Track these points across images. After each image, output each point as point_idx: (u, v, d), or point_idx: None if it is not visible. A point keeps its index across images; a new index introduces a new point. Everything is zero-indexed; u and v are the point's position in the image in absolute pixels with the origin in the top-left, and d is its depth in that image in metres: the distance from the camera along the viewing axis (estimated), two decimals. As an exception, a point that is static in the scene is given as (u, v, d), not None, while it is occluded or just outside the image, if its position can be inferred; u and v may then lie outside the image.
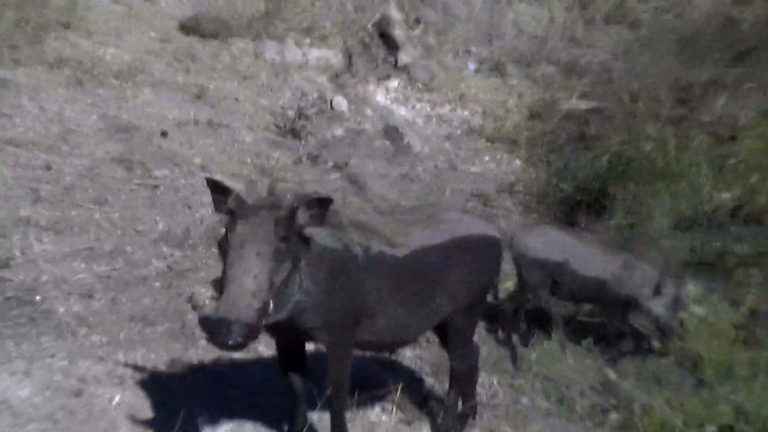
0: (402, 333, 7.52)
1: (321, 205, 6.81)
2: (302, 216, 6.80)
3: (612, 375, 9.41)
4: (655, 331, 9.76)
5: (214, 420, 7.64)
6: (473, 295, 7.80)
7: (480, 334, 9.51)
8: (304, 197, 6.80)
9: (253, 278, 6.57)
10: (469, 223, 7.88)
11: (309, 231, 6.95)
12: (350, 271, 7.13)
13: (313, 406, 7.66)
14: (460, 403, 8.11)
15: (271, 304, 6.63)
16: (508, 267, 10.15)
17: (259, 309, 6.52)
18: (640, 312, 9.76)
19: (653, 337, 9.81)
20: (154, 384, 7.80)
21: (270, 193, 6.94)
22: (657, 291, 9.65)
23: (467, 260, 7.71)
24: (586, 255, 9.65)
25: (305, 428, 7.59)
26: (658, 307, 9.68)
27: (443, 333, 7.96)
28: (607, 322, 9.94)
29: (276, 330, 7.17)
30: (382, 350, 8.09)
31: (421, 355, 8.92)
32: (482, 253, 7.84)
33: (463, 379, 8.06)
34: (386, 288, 7.30)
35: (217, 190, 6.83)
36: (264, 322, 6.58)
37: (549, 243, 9.61)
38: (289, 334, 7.22)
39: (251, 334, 6.51)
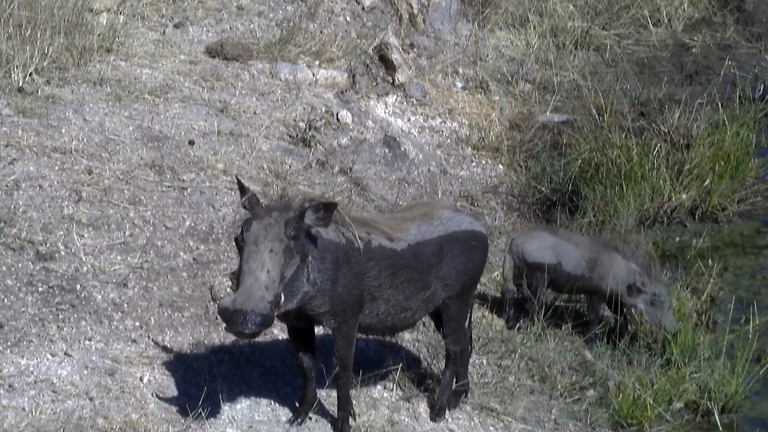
0: (401, 317, 7.41)
1: (327, 208, 6.73)
2: (310, 217, 6.71)
3: (589, 356, 9.27)
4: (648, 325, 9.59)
5: (233, 396, 7.52)
6: (464, 284, 7.66)
7: (471, 318, 9.27)
8: (312, 201, 6.76)
9: (266, 273, 6.54)
10: (460, 219, 7.70)
11: (315, 229, 6.84)
12: (352, 263, 7.01)
13: (321, 384, 7.51)
14: (454, 382, 7.97)
15: (282, 296, 6.58)
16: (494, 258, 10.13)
17: (271, 301, 6.50)
18: (626, 305, 9.59)
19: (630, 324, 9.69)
20: (180, 364, 7.69)
21: (282, 196, 6.95)
22: (635, 288, 9.43)
23: (458, 253, 7.57)
24: (575, 256, 9.46)
25: (314, 403, 7.48)
26: (640, 304, 9.47)
27: (439, 318, 7.82)
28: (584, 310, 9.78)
29: (288, 317, 7.04)
30: (384, 333, 7.84)
31: (419, 339, 8.72)
32: (471, 246, 7.67)
33: (457, 360, 7.88)
34: (385, 277, 7.18)
35: (242, 189, 6.84)
36: (276, 311, 6.56)
37: (543, 248, 9.44)
38: (299, 320, 7.10)
39: (265, 323, 6.48)
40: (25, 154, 9.36)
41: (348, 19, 12.94)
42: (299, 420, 7.42)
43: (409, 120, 12.14)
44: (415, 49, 13.37)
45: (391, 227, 7.37)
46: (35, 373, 7.31)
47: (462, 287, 7.65)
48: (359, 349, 8.20)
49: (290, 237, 6.65)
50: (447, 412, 7.97)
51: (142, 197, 9.23)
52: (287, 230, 6.65)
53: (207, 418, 7.22)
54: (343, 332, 7.13)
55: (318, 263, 6.87)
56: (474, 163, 12.04)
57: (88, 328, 7.84)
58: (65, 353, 7.54)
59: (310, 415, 7.50)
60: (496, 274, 10.05)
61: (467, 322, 7.96)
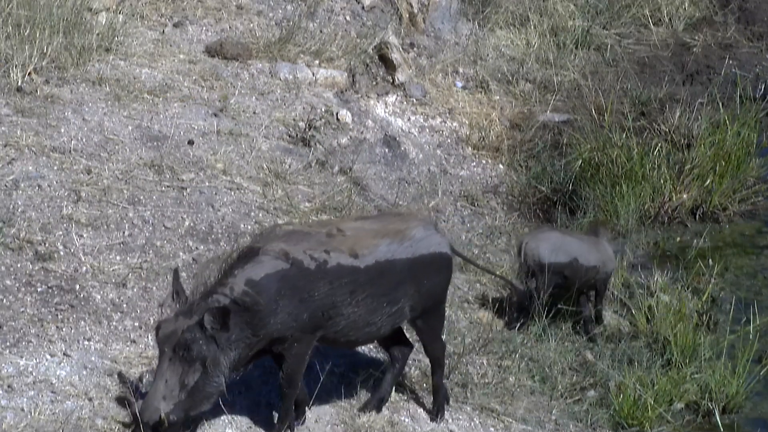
0: (365, 332, 7.35)
1: (223, 314, 6.69)
2: (209, 323, 6.68)
3: (589, 356, 9.26)
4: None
5: (233, 397, 7.44)
6: (426, 306, 7.60)
7: (471, 318, 9.38)
8: (207, 307, 6.70)
9: (164, 382, 6.64)
10: (429, 241, 7.58)
11: (259, 258, 6.96)
12: (297, 287, 6.95)
13: (320, 384, 7.56)
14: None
15: (192, 401, 6.74)
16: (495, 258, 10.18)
17: (170, 410, 6.64)
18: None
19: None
20: (180, 364, 7.56)
21: (203, 291, 6.89)
22: None
23: (425, 274, 7.51)
24: (583, 250, 9.53)
25: (308, 402, 7.50)
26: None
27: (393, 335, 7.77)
28: (583, 310, 9.73)
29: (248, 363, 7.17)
30: (348, 346, 7.81)
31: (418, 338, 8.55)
32: (436, 269, 7.61)
33: (442, 363, 7.89)
34: (342, 295, 7.11)
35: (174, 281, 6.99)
36: (189, 410, 6.78)
37: (556, 247, 9.44)
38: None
39: (173, 425, 6.68)
40: (24, 153, 9.36)
41: (348, 18, 12.95)
42: (297, 420, 7.41)
43: (409, 120, 12.13)
44: (415, 49, 13.36)
45: (359, 240, 7.28)
46: (34, 374, 7.31)
47: (425, 308, 7.60)
48: (359, 350, 8.23)
49: (186, 347, 6.69)
50: (446, 411, 7.99)
51: (142, 197, 9.23)
52: (183, 339, 6.69)
53: (206, 419, 7.20)
54: (293, 351, 7.11)
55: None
56: (474, 163, 12.03)
57: (87, 328, 7.85)
58: (64, 354, 7.54)
59: (310, 414, 7.50)
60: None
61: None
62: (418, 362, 8.43)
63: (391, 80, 12.40)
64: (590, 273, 9.53)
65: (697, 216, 11.72)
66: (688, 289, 10.12)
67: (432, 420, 7.91)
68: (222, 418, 7.29)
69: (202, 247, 8.84)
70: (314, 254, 7.05)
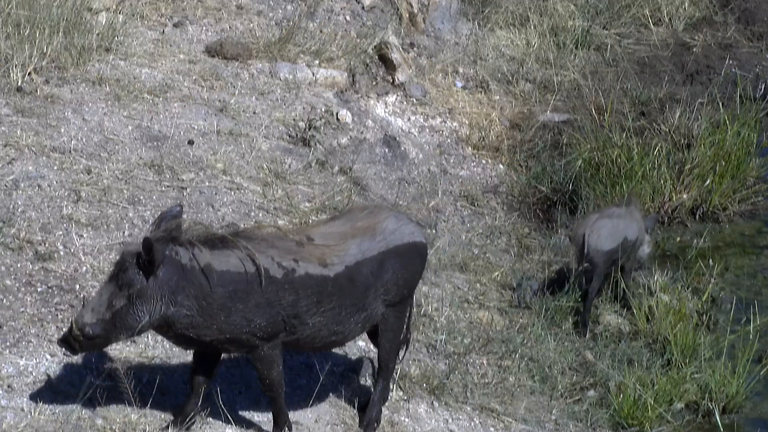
0: (331, 339, 7.25)
1: (150, 246, 6.70)
2: (143, 257, 6.72)
3: (589, 356, 9.28)
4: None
5: (232, 396, 7.52)
6: (403, 296, 7.48)
7: (472, 318, 9.40)
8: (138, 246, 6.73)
9: (99, 296, 6.76)
10: (402, 231, 7.45)
11: (211, 261, 6.86)
12: (254, 293, 6.87)
13: (319, 384, 7.57)
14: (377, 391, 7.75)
15: (114, 323, 6.77)
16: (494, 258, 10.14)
17: (92, 323, 6.72)
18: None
19: None
20: (180, 364, 7.64)
21: (170, 233, 6.87)
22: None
23: (399, 267, 7.36)
24: (625, 226, 9.78)
25: (193, 414, 7.24)
26: (645, 248, 10.01)
27: (374, 330, 7.61)
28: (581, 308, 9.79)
29: (180, 341, 7.10)
30: (314, 352, 7.75)
31: (419, 339, 8.71)
32: (411, 258, 7.48)
33: (389, 375, 7.73)
34: (306, 305, 7.00)
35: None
36: (109, 333, 6.79)
37: (611, 233, 9.66)
38: (199, 347, 7.10)
39: (86, 337, 6.76)
40: (24, 153, 9.37)
41: (348, 18, 12.95)
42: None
43: (409, 120, 12.14)
44: (415, 49, 13.36)
45: (328, 249, 7.13)
46: (34, 374, 7.31)
47: (401, 298, 7.46)
48: (359, 350, 8.22)
49: (122, 269, 6.72)
50: (446, 410, 7.98)
51: (142, 197, 9.24)
52: (122, 260, 6.73)
53: (206, 419, 7.21)
54: (257, 355, 7.04)
55: (204, 292, 6.80)
56: (474, 163, 12.04)
57: (88, 328, 7.84)
58: (64, 353, 7.39)
59: (310, 414, 7.49)
60: (496, 274, 10.07)
61: (403, 333, 7.76)
62: (418, 362, 8.44)
63: (391, 80, 12.40)
64: (634, 246, 9.75)
65: (697, 216, 11.73)
66: (688, 289, 10.14)
67: None
68: (222, 417, 7.29)
69: (202, 247, 8.82)
70: (282, 262, 6.93)
